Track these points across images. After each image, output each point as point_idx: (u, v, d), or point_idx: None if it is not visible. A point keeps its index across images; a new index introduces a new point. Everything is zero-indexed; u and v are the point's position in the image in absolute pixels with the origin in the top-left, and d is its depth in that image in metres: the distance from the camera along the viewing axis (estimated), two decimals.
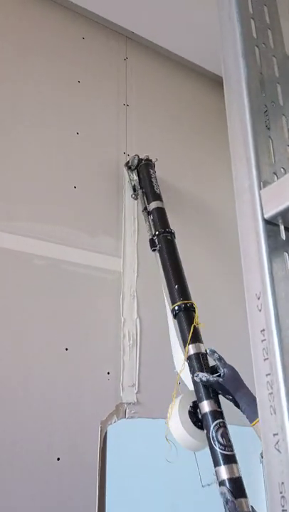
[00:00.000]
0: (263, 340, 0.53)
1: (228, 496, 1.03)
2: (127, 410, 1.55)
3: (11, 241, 1.52)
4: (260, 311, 0.52)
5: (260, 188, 0.58)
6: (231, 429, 1.17)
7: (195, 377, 1.20)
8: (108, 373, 1.56)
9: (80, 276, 1.62)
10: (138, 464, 1.98)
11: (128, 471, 1.87)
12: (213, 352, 1.25)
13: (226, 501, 1.03)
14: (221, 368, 1.19)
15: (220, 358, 1.23)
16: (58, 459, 1.39)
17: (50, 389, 1.44)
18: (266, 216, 0.56)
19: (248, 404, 1.12)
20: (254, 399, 1.08)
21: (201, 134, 2.20)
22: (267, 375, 0.52)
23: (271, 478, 0.50)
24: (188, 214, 1.96)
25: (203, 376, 1.19)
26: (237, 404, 1.16)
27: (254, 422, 1.08)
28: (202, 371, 1.23)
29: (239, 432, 1.30)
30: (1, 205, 1.55)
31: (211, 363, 1.28)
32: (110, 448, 1.48)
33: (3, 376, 1.38)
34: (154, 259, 1.62)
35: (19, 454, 1.33)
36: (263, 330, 0.53)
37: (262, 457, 1.27)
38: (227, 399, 1.18)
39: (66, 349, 1.51)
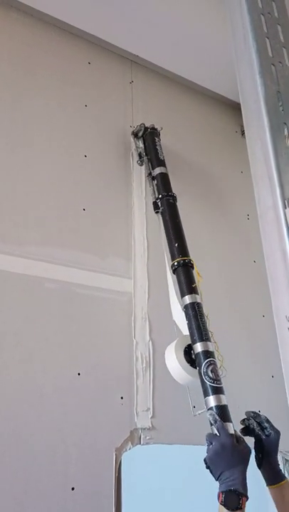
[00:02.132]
0: None
1: (216, 416, 1.15)
2: (142, 436, 1.51)
3: (21, 265, 1.51)
4: None
5: (285, 207, 0.56)
6: None
7: (250, 422, 1.24)
8: (122, 398, 1.53)
9: (91, 298, 1.60)
10: (154, 491, 1.92)
11: (144, 499, 1.82)
12: (259, 414, 1.26)
13: (215, 421, 1.14)
14: (269, 429, 1.22)
15: (268, 421, 1.24)
16: (73, 489, 1.35)
17: (63, 416, 1.40)
18: None
19: (276, 467, 1.18)
20: (278, 465, 1.18)
21: (207, 155, 2.20)
22: None
23: None
24: (190, 181, 2.00)
25: (257, 426, 1.22)
26: (260, 464, 1.19)
27: (274, 485, 1.15)
28: (196, 318, 1.35)
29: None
30: (11, 230, 1.54)
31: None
32: (125, 476, 1.44)
33: (15, 403, 1.34)
34: (164, 280, 1.60)
35: (33, 483, 1.29)
36: None
37: None
38: (255, 456, 1.21)
39: (78, 374, 1.48)
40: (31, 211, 1.61)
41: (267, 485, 1.17)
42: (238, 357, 1.56)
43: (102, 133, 1.91)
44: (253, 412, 1.27)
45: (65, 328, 1.51)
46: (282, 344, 0.53)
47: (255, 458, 1.20)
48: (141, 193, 1.88)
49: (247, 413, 1.27)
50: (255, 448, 1.21)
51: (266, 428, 1.22)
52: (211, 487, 1.17)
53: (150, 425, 1.53)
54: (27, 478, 1.29)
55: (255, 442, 1.22)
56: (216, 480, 1.07)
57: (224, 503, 1.02)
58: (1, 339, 1.40)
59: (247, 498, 1.03)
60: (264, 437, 1.20)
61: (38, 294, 1.51)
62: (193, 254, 1.54)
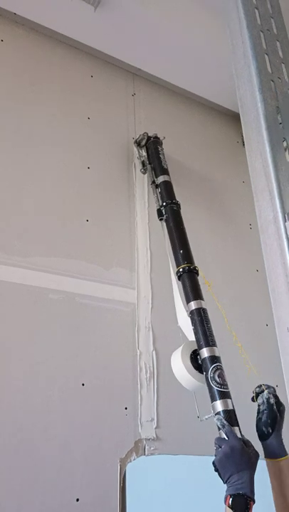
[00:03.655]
0: None
1: (224, 421, 1.16)
2: (146, 447, 1.51)
3: (25, 276, 1.52)
4: None
5: (285, 220, 0.58)
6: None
7: (270, 396, 1.26)
8: (126, 408, 1.53)
9: (95, 308, 1.61)
10: (159, 502, 1.91)
11: (149, 510, 1.81)
12: (269, 387, 1.29)
13: (223, 425, 1.16)
14: (282, 406, 1.25)
15: (277, 396, 1.27)
16: (77, 500, 1.34)
17: (68, 427, 1.40)
18: None
19: (281, 442, 1.20)
20: (280, 440, 1.21)
21: (209, 165, 2.22)
22: None
23: None
24: (192, 191, 2.03)
25: (273, 402, 1.25)
26: (268, 436, 1.21)
27: (280, 458, 1.17)
28: (202, 324, 1.36)
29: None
30: (15, 241, 1.56)
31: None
32: (130, 487, 1.44)
33: (20, 414, 1.35)
34: (168, 290, 1.61)
35: (38, 494, 1.29)
36: None
37: None
38: (264, 429, 1.23)
39: (83, 384, 1.49)
40: (35, 222, 1.62)
41: (269, 458, 1.18)
42: (242, 366, 1.56)
43: (104, 145, 1.93)
44: (271, 388, 1.28)
45: (69, 338, 1.52)
46: (284, 355, 0.54)
47: (262, 431, 1.21)
48: (144, 203, 1.90)
49: (265, 388, 1.28)
50: (265, 422, 1.22)
51: (280, 407, 1.25)
52: (215, 498, 1.17)
53: (154, 436, 1.53)
54: (32, 489, 1.29)
55: (266, 416, 1.23)
56: (225, 483, 1.08)
57: (232, 507, 1.02)
58: (6, 350, 1.41)
59: (254, 502, 1.04)
60: (279, 416, 1.22)
61: (42, 304, 1.52)
62: (196, 264, 1.55)
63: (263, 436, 1.22)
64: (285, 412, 1.24)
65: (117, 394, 1.53)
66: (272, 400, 1.24)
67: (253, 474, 1.08)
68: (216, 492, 1.18)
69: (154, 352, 1.65)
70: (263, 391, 1.27)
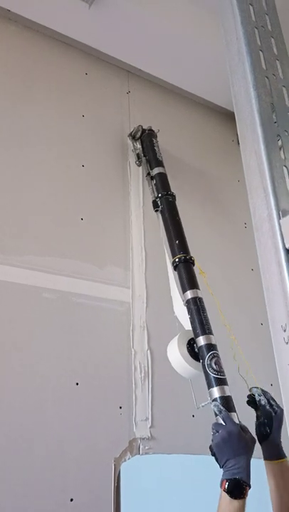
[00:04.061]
0: None
1: (221, 407, 1.17)
2: (141, 446, 1.50)
3: (19, 275, 1.51)
4: (287, 343, 0.51)
5: (279, 217, 0.57)
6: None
7: (261, 398, 1.27)
8: (120, 408, 1.52)
9: (89, 308, 1.60)
10: (153, 501, 1.91)
11: (143, 509, 1.80)
12: (265, 392, 1.30)
13: (220, 411, 1.16)
14: (276, 406, 1.26)
15: (273, 399, 1.28)
16: (72, 500, 1.34)
17: (62, 426, 1.40)
18: (288, 246, 0.55)
19: (279, 443, 1.22)
20: (281, 443, 1.22)
21: (203, 164, 2.22)
22: None
23: None
24: (187, 190, 2.02)
25: (268, 402, 1.27)
26: (266, 438, 1.22)
27: (277, 460, 1.18)
28: (199, 312, 1.37)
29: (255, 464, 1.30)
30: (9, 240, 1.55)
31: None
32: (124, 486, 1.43)
33: (13, 414, 1.34)
34: (163, 289, 1.61)
35: (32, 494, 1.29)
36: None
37: None
38: (261, 431, 1.25)
39: (77, 384, 1.48)
40: (29, 221, 1.61)
41: (267, 459, 1.19)
42: (236, 359, 1.57)
43: (99, 143, 1.92)
44: (260, 388, 1.29)
45: (63, 337, 1.51)
46: (278, 354, 0.54)
47: (261, 432, 1.22)
48: (138, 202, 1.89)
49: (255, 389, 1.29)
50: (263, 423, 1.23)
51: (274, 405, 1.25)
52: (210, 497, 1.17)
53: (149, 435, 1.52)
54: (26, 489, 1.28)
55: (263, 417, 1.25)
56: (221, 467, 1.08)
57: (228, 491, 1.02)
58: (0, 349, 1.40)
59: (250, 488, 1.04)
60: (274, 414, 1.23)
61: (36, 303, 1.51)
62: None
63: (261, 438, 1.22)
64: (283, 414, 1.23)
65: (112, 393, 1.53)
66: (263, 401, 1.26)
67: (250, 459, 1.08)
68: (211, 491, 1.18)
69: (148, 351, 1.65)
70: (257, 394, 1.29)
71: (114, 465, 1.43)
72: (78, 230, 1.71)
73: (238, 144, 2.45)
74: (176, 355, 1.35)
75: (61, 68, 1.96)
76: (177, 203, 1.74)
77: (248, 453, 1.09)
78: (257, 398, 1.26)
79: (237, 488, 1.02)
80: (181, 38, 1.98)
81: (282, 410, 1.24)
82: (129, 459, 1.47)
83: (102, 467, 1.41)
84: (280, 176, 0.63)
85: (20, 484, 1.28)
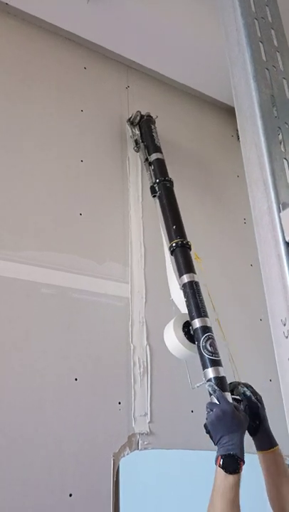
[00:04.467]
0: None
1: (215, 387, 1.19)
2: (140, 441, 1.50)
3: (17, 270, 1.51)
4: (286, 337, 0.50)
5: (279, 211, 0.56)
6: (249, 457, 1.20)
7: (245, 389, 1.27)
8: (119, 403, 1.52)
9: (88, 303, 1.60)
10: (152, 496, 1.91)
11: (142, 504, 1.81)
12: (249, 385, 1.30)
13: (214, 390, 1.18)
14: (259, 398, 1.27)
15: (252, 388, 1.28)
16: (71, 495, 1.34)
17: (61, 421, 1.40)
18: (288, 239, 0.54)
19: (269, 433, 1.21)
20: (270, 430, 1.22)
21: (203, 159, 2.21)
22: None
23: None
24: (186, 186, 2.02)
25: (254, 394, 1.27)
26: (256, 431, 1.22)
27: (269, 450, 1.19)
28: (195, 296, 1.38)
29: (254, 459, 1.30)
30: (7, 235, 1.54)
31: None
32: (123, 481, 1.43)
33: (12, 409, 1.34)
34: (162, 285, 1.60)
35: (31, 489, 1.29)
36: None
37: None
38: (252, 423, 1.24)
39: (76, 379, 1.48)
40: (28, 216, 1.61)
41: (260, 450, 1.20)
42: (236, 361, 1.56)
43: (98, 138, 1.91)
44: (241, 382, 1.30)
45: (62, 332, 1.51)
46: (277, 347, 0.53)
47: (250, 425, 1.22)
48: (137, 197, 1.88)
49: (236, 384, 1.30)
50: (251, 415, 1.23)
51: (256, 394, 1.27)
52: (209, 492, 1.17)
53: (148, 430, 1.52)
54: (25, 485, 1.28)
55: (250, 410, 1.24)
56: (215, 444, 1.10)
57: (223, 466, 1.04)
58: None
59: (244, 463, 1.06)
60: (260, 405, 1.24)
61: (35, 299, 1.50)
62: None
63: (252, 431, 1.22)
64: (262, 400, 1.26)
65: (111, 388, 1.52)
66: (248, 393, 1.26)
67: (243, 436, 1.10)
68: (210, 486, 1.18)
69: (147, 346, 1.64)
70: (236, 387, 1.28)
71: (113, 460, 1.43)
72: (77, 225, 1.70)
73: (238, 139, 2.45)
74: (171, 337, 1.37)
75: (60, 62, 1.95)
76: (176, 198, 1.73)
77: (242, 430, 1.11)
78: (241, 390, 1.27)
79: (232, 464, 1.04)
80: (180, 31, 1.97)
81: (260, 397, 1.27)
82: (128, 454, 1.47)
83: (101, 462, 1.41)
84: (281, 168, 0.62)
85: (20, 480, 1.28)
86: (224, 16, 0.77)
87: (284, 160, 0.63)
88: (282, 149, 0.64)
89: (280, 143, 0.66)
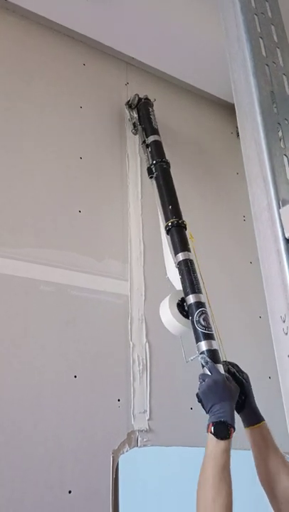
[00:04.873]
0: None
1: (207, 358, 1.24)
2: (139, 438, 1.50)
3: (16, 267, 1.50)
4: (286, 334, 0.50)
5: (279, 207, 0.56)
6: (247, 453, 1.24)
7: (230, 367, 1.31)
8: (119, 400, 1.52)
9: (87, 300, 1.60)
10: (151, 494, 1.91)
11: (141, 501, 1.81)
12: (231, 362, 1.34)
13: (206, 362, 1.23)
14: (244, 374, 1.30)
15: (238, 367, 1.33)
16: (70, 492, 1.34)
17: (60, 418, 1.40)
18: (287, 235, 0.54)
19: (254, 408, 1.25)
20: (256, 405, 1.25)
21: (202, 156, 2.20)
22: None
23: None
24: (186, 183, 2.02)
25: (234, 371, 1.29)
26: (242, 406, 1.25)
27: (255, 425, 1.22)
28: (189, 273, 1.43)
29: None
30: (6, 232, 1.54)
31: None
32: (123, 478, 1.44)
33: (11, 406, 1.34)
34: (161, 282, 1.60)
35: (30, 486, 1.29)
36: None
37: None
38: (238, 400, 1.27)
39: (75, 376, 1.47)
40: (27, 213, 1.60)
41: (247, 426, 1.23)
42: (235, 359, 1.56)
43: (97, 135, 1.91)
44: (227, 361, 1.33)
45: (61, 330, 1.51)
46: (276, 344, 0.53)
47: (237, 402, 1.24)
48: (137, 194, 1.88)
49: (223, 362, 1.32)
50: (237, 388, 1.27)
51: (242, 372, 1.30)
52: None
53: (147, 427, 1.52)
54: (24, 482, 1.28)
55: (236, 382, 1.27)
56: (207, 413, 1.14)
57: (214, 433, 1.08)
58: None
59: (234, 430, 1.09)
60: (244, 381, 1.27)
61: (34, 296, 1.50)
62: (190, 255, 1.53)
63: (238, 407, 1.24)
64: (249, 378, 1.29)
65: (110, 386, 1.52)
66: (233, 370, 1.29)
67: (234, 405, 1.15)
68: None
69: (147, 344, 1.64)
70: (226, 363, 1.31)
71: (113, 457, 1.43)
72: (76, 222, 1.70)
73: (238, 136, 2.45)
74: (167, 313, 1.41)
75: (59, 59, 1.94)
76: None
77: (232, 399, 1.16)
78: (226, 368, 1.29)
79: (222, 430, 1.08)
80: (180, 28, 1.96)
81: (248, 376, 1.30)
82: (127, 451, 1.47)
83: (101, 459, 1.41)
84: (280, 165, 0.62)
85: (19, 477, 1.28)
86: (224, 12, 0.77)
87: (284, 156, 0.63)
88: (282, 145, 0.64)
89: (280, 139, 0.66)
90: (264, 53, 0.71)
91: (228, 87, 0.82)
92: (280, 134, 0.67)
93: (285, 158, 0.63)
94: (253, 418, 1.23)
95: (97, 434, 1.44)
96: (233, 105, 0.84)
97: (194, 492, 1.08)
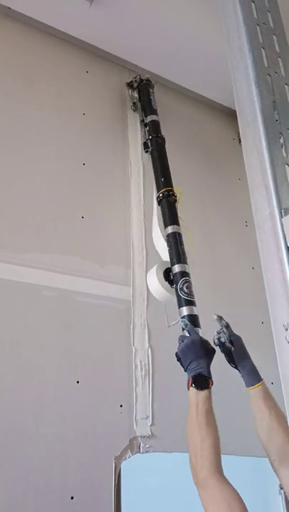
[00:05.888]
0: None
1: (187, 322, 1.34)
2: (142, 444, 1.51)
3: (19, 273, 1.51)
4: None
5: (281, 216, 0.57)
6: (250, 460, 1.32)
7: (221, 335, 1.37)
8: (121, 406, 1.52)
9: (90, 306, 1.60)
10: (154, 500, 1.91)
11: (144, 508, 1.80)
12: (221, 318, 1.41)
13: (186, 325, 1.33)
14: (234, 336, 1.37)
15: (227, 326, 1.39)
16: (72, 498, 1.34)
17: (62, 424, 1.40)
18: None
19: (249, 371, 1.31)
20: (253, 366, 1.31)
21: (205, 162, 2.21)
22: None
23: None
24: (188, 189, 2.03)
25: (224, 340, 1.36)
26: (238, 370, 1.33)
27: (251, 387, 1.28)
28: (176, 245, 1.52)
29: (259, 462, 1.30)
30: (9, 237, 1.54)
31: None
32: (125, 485, 1.43)
33: (14, 412, 1.34)
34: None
35: (32, 492, 1.29)
36: None
37: (281, 488, 1.28)
38: (230, 365, 1.36)
39: (77, 382, 1.48)
40: (30, 219, 1.61)
41: (247, 387, 1.29)
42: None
43: (100, 141, 1.92)
44: (218, 316, 1.40)
45: (64, 335, 1.51)
46: (279, 353, 0.54)
47: (231, 363, 1.34)
48: (139, 200, 1.89)
49: (217, 317, 1.40)
50: (227, 360, 1.35)
51: (232, 335, 1.36)
52: None
53: (150, 433, 1.53)
54: (26, 488, 1.28)
55: (225, 355, 1.35)
56: (185, 370, 1.23)
57: (194, 385, 1.16)
58: (0, 347, 1.39)
59: (212, 383, 1.17)
60: (233, 349, 1.34)
61: (36, 301, 1.51)
62: (191, 261, 1.54)
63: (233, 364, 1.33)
64: (241, 340, 1.36)
65: (112, 391, 1.53)
66: (223, 339, 1.35)
67: (210, 362, 1.23)
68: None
69: (149, 349, 1.65)
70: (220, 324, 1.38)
71: (115, 463, 1.43)
72: (79, 228, 1.70)
73: (240, 142, 2.45)
74: (153, 280, 1.51)
75: (62, 66, 1.95)
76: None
77: (209, 356, 1.23)
78: (216, 336, 1.36)
79: (201, 381, 1.16)
80: (182, 35, 1.97)
81: (239, 337, 1.36)
82: (129, 457, 1.47)
83: (103, 465, 1.41)
84: (282, 174, 0.62)
85: (21, 482, 1.28)
86: (226, 22, 0.78)
87: (286, 165, 0.63)
88: (284, 155, 0.64)
89: (282, 148, 0.66)
90: (266, 63, 0.72)
91: (230, 93, 0.83)
92: (282, 143, 0.67)
93: (287, 168, 0.63)
94: (250, 380, 1.29)
95: (99, 440, 1.44)
96: (235, 111, 0.85)
97: (197, 498, 1.08)
